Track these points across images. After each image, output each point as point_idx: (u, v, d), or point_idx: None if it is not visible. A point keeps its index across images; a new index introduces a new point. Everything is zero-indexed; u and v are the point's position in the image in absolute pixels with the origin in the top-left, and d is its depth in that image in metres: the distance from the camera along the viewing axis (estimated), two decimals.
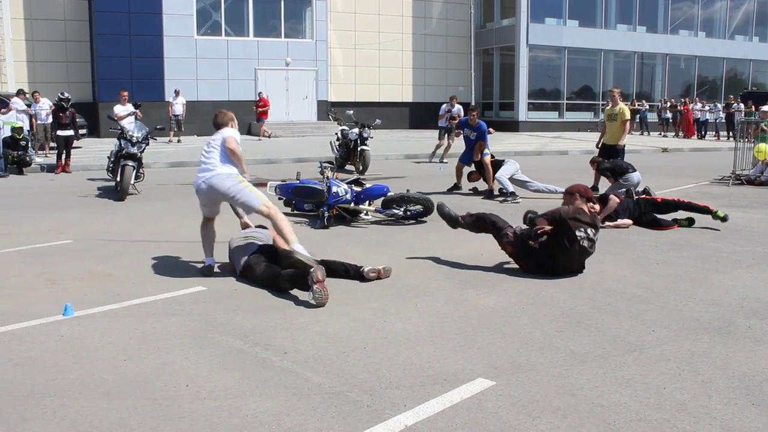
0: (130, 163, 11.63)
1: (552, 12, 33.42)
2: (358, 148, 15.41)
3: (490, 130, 12.49)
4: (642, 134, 31.73)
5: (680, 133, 30.85)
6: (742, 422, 3.44)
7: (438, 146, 18.87)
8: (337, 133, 16.81)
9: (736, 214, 9.66)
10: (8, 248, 7.51)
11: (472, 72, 33.62)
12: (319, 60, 30.54)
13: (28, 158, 15.88)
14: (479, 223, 6.88)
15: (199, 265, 6.48)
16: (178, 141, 24.22)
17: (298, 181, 9.63)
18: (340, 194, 9.00)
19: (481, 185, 12.24)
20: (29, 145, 16.79)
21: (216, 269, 6.42)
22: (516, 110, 33.32)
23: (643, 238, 8.19)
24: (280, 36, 30.12)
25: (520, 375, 4.03)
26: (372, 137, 16.07)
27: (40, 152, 17.71)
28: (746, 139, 14.97)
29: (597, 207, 8.89)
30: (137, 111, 14.64)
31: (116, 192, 11.61)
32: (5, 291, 5.86)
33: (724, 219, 8.90)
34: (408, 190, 9.51)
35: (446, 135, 18.63)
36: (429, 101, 33.89)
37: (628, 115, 12.22)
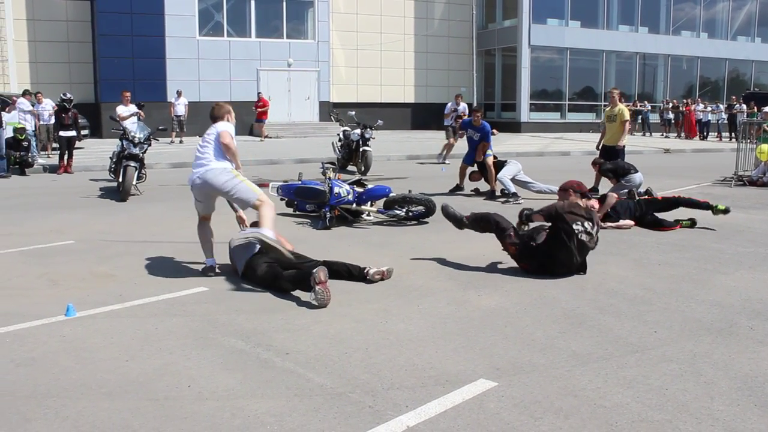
0: (132, 163, 11.65)
1: (554, 13, 33.40)
2: (360, 149, 15.40)
3: (494, 131, 12.49)
4: (644, 135, 31.70)
5: (682, 134, 30.81)
6: (745, 423, 3.43)
7: (447, 145, 18.65)
8: (339, 134, 16.81)
9: (738, 215, 9.65)
10: (10, 249, 7.52)
11: (474, 73, 33.61)
12: (321, 61, 30.55)
13: (30, 159, 15.90)
14: (483, 223, 6.88)
15: (201, 266, 6.47)
16: (180, 142, 24.23)
17: (300, 182, 9.63)
18: (342, 195, 9.00)
19: (483, 186, 12.24)
20: (33, 146, 16.81)
21: (217, 270, 6.42)
22: (518, 111, 33.29)
23: (645, 239, 8.19)
24: (282, 37, 30.13)
25: (522, 376, 4.03)
26: (374, 138, 16.07)
27: (42, 153, 17.72)
28: (748, 140, 14.96)
29: (596, 205, 8.91)
30: (140, 111, 14.65)
31: (118, 193, 11.62)
32: (7, 291, 5.86)
33: (725, 211, 8.93)
34: (410, 191, 9.51)
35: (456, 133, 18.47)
36: (431, 102, 33.90)
37: (627, 116, 12.21)
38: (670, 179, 14.19)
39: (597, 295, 5.77)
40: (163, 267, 6.66)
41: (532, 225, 6.78)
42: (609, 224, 8.78)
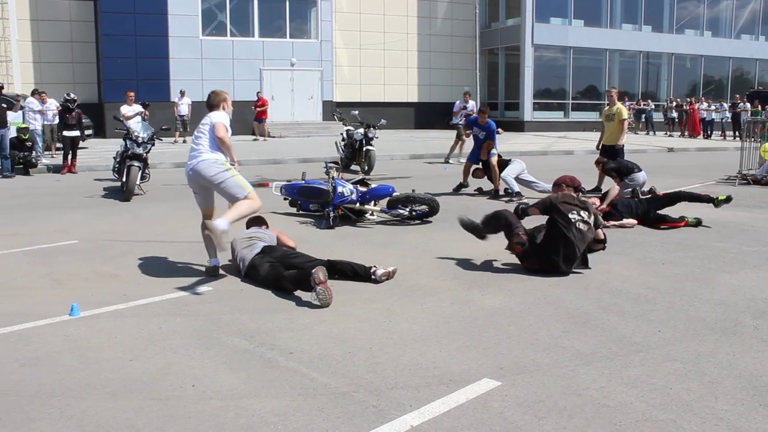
0: (136, 163, 11.67)
1: (557, 12, 33.35)
2: (364, 148, 15.41)
3: (499, 130, 12.48)
4: (648, 134, 31.66)
5: (686, 133, 30.76)
6: (749, 423, 3.42)
7: (461, 144, 18.43)
8: (342, 134, 16.81)
9: (742, 214, 9.63)
10: (15, 248, 7.54)
11: (477, 72, 33.56)
12: (324, 60, 30.55)
13: (33, 160, 15.92)
14: (494, 221, 6.82)
15: (204, 266, 6.47)
16: (184, 141, 24.25)
17: (303, 182, 9.64)
18: (346, 194, 9.00)
19: (486, 185, 12.23)
20: (38, 145, 16.84)
21: (221, 269, 6.42)
22: (521, 110, 33.25)
23: (649, 238, 8.18)
24: (285, 36, 30.13)
25: (525, 375, 4.02)
26: (377, 137, 16.07)
27: (46, 153, 17.75)
28: (752, 139, 14.92)
29: (597, 202, 8.92)
30: (145, 111, 14.66)
31: (122, 192, 11.65)
32: (12, 291, 5.88)
33: (727, 199, 8.93)
34: (413, 190, 9.51)
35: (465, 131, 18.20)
36: (434, 101, 33.91)
37: (625, 115, 12.21)
38: (673, 178, 14.17)
39: (601, 294, 5.77)
40: (166, 267, 6.67)
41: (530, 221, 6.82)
42: (612, 222, 8.77)
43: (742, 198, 11.46)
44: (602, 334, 4.75)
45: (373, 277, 6.06)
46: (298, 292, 5.69)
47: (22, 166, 15.56)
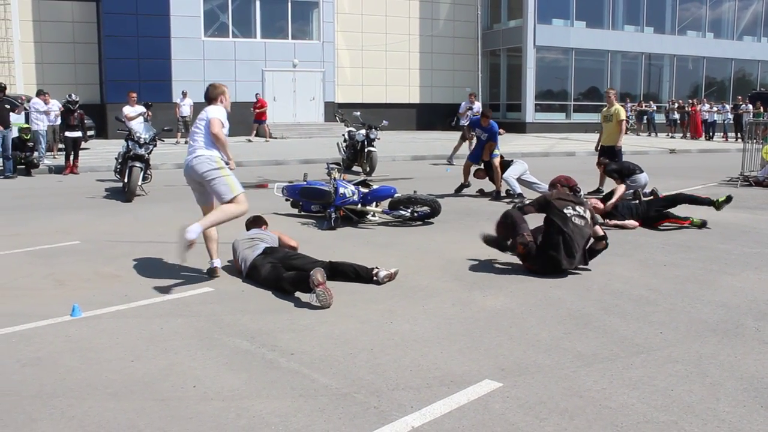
0: (138, 164, 11.67)
1: (559, 13, 33.35)
2: (365, 150, 15.41)
3: (501, 131, 12.48)
4: (649, 135, 31.64)
5: (688, 135, 30.74)
6: (751, 425, 3.42)
7: (469, 145, 18.30)
8: (344, 135, 16.81)
9: (744, 216, 9.63)
10: (17, 249, 7.55)
11: (479, 73, 33.58)
12: (326, 61, 30.56)
13: (35, 160, 15.92)
14: (503, 222, 6.76)
15: (206, 267, 6.47)
16: (186, 142, 24.22)
17: (305, 183, 9.64)
18: (347, 195, 9.00)
19: (488, 186, 12.22)
20: (42, 146, 16.86)
21: (222, 270, 6.43)
22: (523, 111, 33.24)
23: (650, 239, 8.17)
24: (287, 37, 30.15)
25: (527, 377, 4.02)
26: (379, 138, 16.07)
27: (48, 154, 17.76)
28: (754, 141, 14.91)
29: (601, 204, 8.92)
30: (148, 111, 14.66)
31: (124, 193, 11.66)
32: (13, 292, 5.88)
33: (727, 200, 8.91)
34: (415, 191, 9.50)
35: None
36: (436, 102, 33.92)
37: (623, 116, 12.21)
38: (675, 180, 14.16)
39: (602, 295, 5.76)
40: (168, 268, 6.67)
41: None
42: (614, 222, 8.77)
43: (744, 199, 11.46)
44: (604, 336, 4.74)
45: (375, 278, 6.05)
46: (298, 293, 5.69)
47: (24, 166, 15.57)
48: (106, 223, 9.36)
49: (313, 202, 9.56)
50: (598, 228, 6.69)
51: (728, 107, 31.13)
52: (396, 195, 9.32)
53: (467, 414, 3.55)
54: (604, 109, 12.56)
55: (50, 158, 17.63)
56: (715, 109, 30.63)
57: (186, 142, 23.95)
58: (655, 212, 8.92)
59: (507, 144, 21.98)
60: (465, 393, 3.78)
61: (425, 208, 9.15)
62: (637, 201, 9.32)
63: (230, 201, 6.08)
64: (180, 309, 5.38)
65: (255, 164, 18.04)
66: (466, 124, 18.62)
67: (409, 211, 9.16)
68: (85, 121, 16.91)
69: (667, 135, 31.61)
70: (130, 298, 5.63)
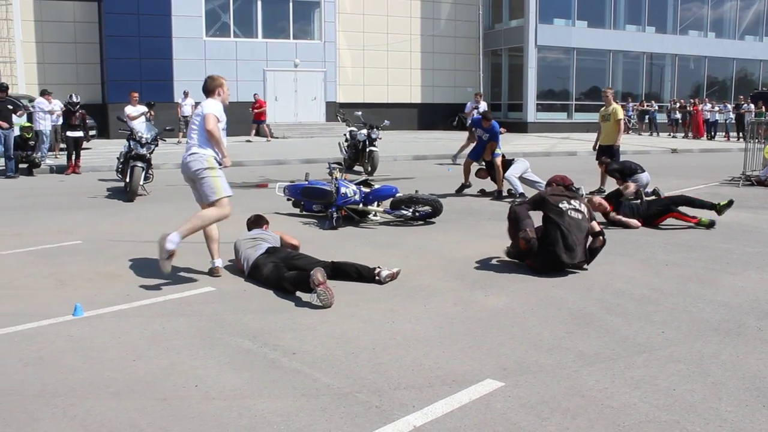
0: (140, 164, 11.68)
1: (561, 13, 33.33)
2: (367, 149, 15.41)
3: (502, 130, 12.47)
4: (651, 135, 31.62)
5: (690, 134, 30.71)
6: (753, 424, 3.42)
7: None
8: (345, 134, 16.81)
9: (746, 215, 9.62)
10: (18, 249, 7.55)
11: (481, 73, 33.58)
12: (328, 61, 30.57)
13: (37, 159, 15.92)
14: (509, 218, 6.83)
15: (208, 266, 6.47)
16: (187, 142, 24.27)
17: (306, 182, 9.64)
18: (349, 195, 9.01)
19: (489, 185, 12.21)
20: (45, 145, 16.89)
21: (224, 270, 6.43)
22: (525, 111, 33.23)
23: (652, 239, 8.16)
24: (289, 37, 30.15)
25: (528, 376, 4.02)
26: (380, 138, 16.07)
27: (49, 153, 17.78)
28: (756, 140, 14.89)
29: (606, 203, 8.92)
30: (150, 111, 14.66)
31: (125, 193, 11.66)
32: (16, 291, 5.89)
33: (729, 204, 8.89)
34: (417, 191, 9.50)
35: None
36: (438, 102, 33.92)
37: (620, 115, 12.20)
38: (677, 179, 14.15)
39: (604, 295, 5.76)
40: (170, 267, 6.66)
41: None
42: (619, 216, 8.76)
43: (746, 199, 11.45)
44: (605, 335, 4.74)
45: (377, 278, 6.06)
46: (299, 293, 5.69)
47: (26, 165, 15.56)
48: (108, 222, 9.36)
49: (314, 202, 9.56)
50: (594, 224, 6.70)
51: (730, 107, 31.10)
52: (397, 195, 9.31)
53: (469, 413, 3.55)
54: (602, 108, 12.55)
55: (52, 158, 17.65)
56: (716, 108, 30.60)
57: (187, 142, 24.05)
58: (656, 210, 8.91)
59: (509, 144, 21.99)
60: (467, 392, 3.78)
61: (427, 208, 9.15)
62: (639, 201, 9.31)
63: (213, 203, 6.10)
64: (182, 308, 5.38)
65: (257, 164, 18.04)
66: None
67: (411, 210, 9.16)
68: (87, 121, 16.93)
69: (669, 135, 31.59)
70: (131, 298, 5.64)
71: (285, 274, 5.78)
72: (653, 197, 9.59)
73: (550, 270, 6.42)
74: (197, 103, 24.29)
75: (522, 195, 11.15)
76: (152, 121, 14.84)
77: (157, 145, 12.54)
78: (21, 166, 15.48)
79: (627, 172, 10.85)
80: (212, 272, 6.35)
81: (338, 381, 3.95)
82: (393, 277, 6.12)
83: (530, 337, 4.70)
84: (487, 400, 3.70)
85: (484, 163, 12.25)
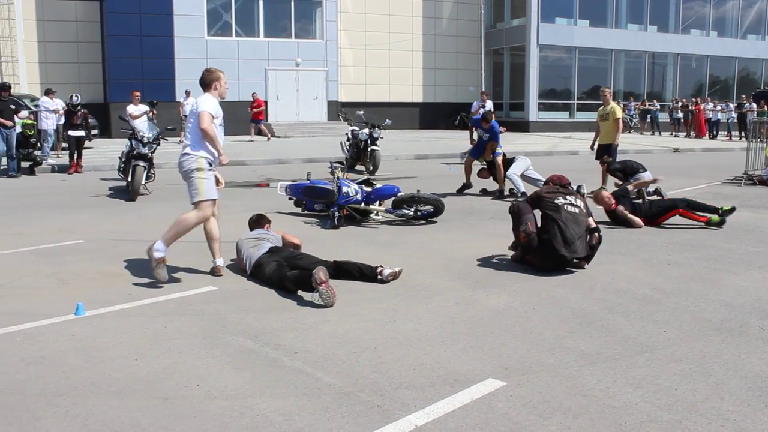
0: (141, 163, 11.69)
1: (562, 12, 33.33)
2: (369, 149, 15.41)
3: (502, 129, 12.46)
4: (653, 134, 31.60)
5: (692, 133, 30.68)
6: (755, 424, 3.41)
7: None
8: (347, 134, 16.81)
9: (748, 215, 9.60)
10: (20, 248, 7.56)
11: (483, 72, 33.57)
12: (330, 60, 30.58)
13: (38, 158, 15.92)
14: (511, 212, 6.91)
15: (209, 265, 6.47)
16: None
17: (308, 182, 9.64)
18: (351, 194, 9.00)
19: (491, 185, 12.21)
20: (46, 144, 16.90)
21: (225, 269, 6.43)
22: (526, 110, 33.24)
23: (654, 238, 8.16)
24: (291, 36, 30.17)
25: (530, 376, 4.02)
26: (382, 137, 16.07)
27: (51, 153, 17.79)
28: (758, 139, 14.87)
29: (613, 199, 8.92)
30: (153, 110, 14.66)
31: (127, 192, 11.67)
32: (18, 290, 5.89)
33: (731, 210, 8.84)
34: (418, 191, 9.50)
35: None
36: (439, 101, 33.93)
37: (619, 114, 12.18)
38: (679, 179, 14.13)
39: (606, 294, 5.76)
40: (171, 266, 6.66)
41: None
42: (624, 212, 8.75)
43: (748, 198, 11.44)
44: (607, 335, 4.74)
45: (379, 277, 6.06)
46: (301, 292, 5.69)
47: (29, 164, 15.55)
48: (110, 222, 9.37)
49: (316, 201, 9.56)
50: (591, 220, 6.72)
51: (732, 106, 31.08)
52: (399, 194, 9.31)
53: (471, 413, 3.54)
54: (601, 108, 12.54)
55: (54, 157, 17.66)
56: (719, 108, 30.57)
57: None
58: (659, 209, 8.89)
59: (510, 143, 21.98)
60: (468, 392, 3.78)
61: (428, 207, 9.15)
62: (641, 200, 9.30)
63: (195, 204, 6.12)
64: (183, 308, 5.38)
65: (258, 163, 18.05)
66: None
67: (413, 210, 9.15)
68: (89, 121, 16.93)
69: (671, 134, 31.58)
70: (133, 297, 5.64)
71: (287, 274, 5.78)
72: (655, 196, 9.58)
73: (551, 267, 6.43)
74: None
75: (524, 194, 11.14)
76: (155, 121, 14.83)
77: (158, 145, 12.56)
78: (23, 164, 15.47)
79: (629, 171, 10.85)
80: (214, 272, 6.35)
81: (340, 380, 3.95)
82: (395, 276, 6.12)
83: (532, 337, 4.70)
84: (488, 400, 3.69)
85: (485, 163, 12.25)
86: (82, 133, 15.84)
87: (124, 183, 12.50)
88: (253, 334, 4.76)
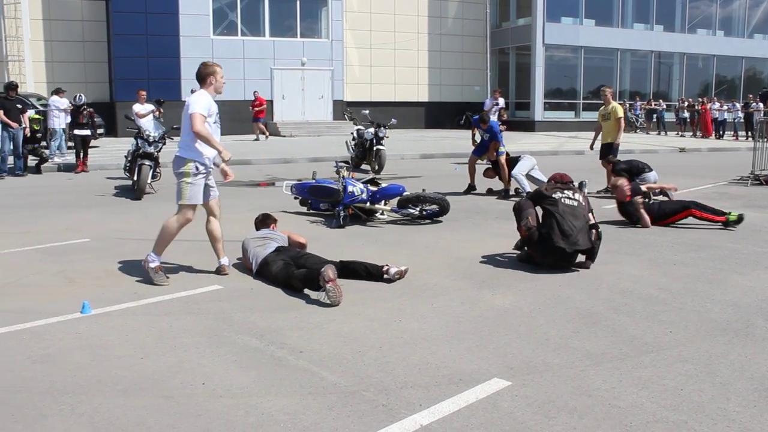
0: (147, 162, 11.72)
1: (568, 11, 33.27)
2: (374, 148, 15.41)
3: (502, 127, 12.46)
4: (659, 134, 31.52)
5: (698, 133, 30.60)
6: (762, 425, 3.40)
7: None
8: (352, 133, 16.82)
9: (754, 215, 9.57)
10: (27, 246, 7.58)
11: (488, 72, 33.54)
12: (335, 60, 30.59)
13: (45, 155, 15.94)
14: (514, 209, 7.03)
15: (215, 264, 6.48)
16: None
17: (314, 181, 9.65)
18: (356, 194, 9.01)
19: (496, 184, 12.19)
20: (53, 143, 16.93)
21: (231, 268, 6.44)
22: (532, 110, 33.19)
23: (660, 238, 8.14)
24: (296, 36, 30.19)
25: (535, 375, 4.01)
26: (387, 137, 16.07)
27: (57, 151, 17.84)
28: (765, 139, 14.79)
29: (628, 189, 8.95)
30: (159, 108, 14.68)
31: (133, 191, 11.70)
32: (24, 289, 5.91)
33: (740, 219, 8.74)
34: (424, 190, 9.50)
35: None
36: (444, 101, 33.90)
37: (620, 113, 12.16)
38: (685, 179, 14.09)
39: (611, 294, 5.75)
40: (177, 265, 6.69)
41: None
42: (640, 204, 8.74)
43: (754, 199, 11.40)
44: (613, 335, 4.73)
45: (386, 276, 6.06)
46: (308, 291, 5.70)
47: (37, 160, 15.57)
48: (116, 220, 9.39)
49: (321, 201, 9.57)
50: (590, 216, 6.73)
51: (739, 106, 30.97)
52: (405, 193, 9.31)
53: (476, 412, 3.54)
54: (602, 108, 12.52)
55: (60, 156, 17.71)
56: (725, 107, 30.47)
57: None
58: (670, 209, 8.83)
59: (516, 142, 21.95)
60: (474, 391, 3.78)
61: (434, 207, 9.14)
62: (648, 200, 9.27)
63: (179, 207, 6.20)
64: (189, 306, 5.39)
65: (264, 162, 18.07)
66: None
67: (418, 209, 9.15)
68: (95, 120, 16.97)
69: (677, 134, 31.49)
70: (139, 296, 5.65)
71: (294, 272, 5.79)
72: (661, 197, 9.55)
73: (553, 261, 6.48)
74: None
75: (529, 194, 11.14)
76: (161, 120, 14.86)
77: (164, 144, 12.58)
78: (30, 161, 15.47)
79: (634, 171, 10.81)
80: (219, 271, 6.36)
81: (345, 379, 3.96)
82: (401, 274, 6.12)
83: (537, 337, 4.69)
84: (494, 399, 3.69)
85: (490, 163, 12.24)
86: (87, 132, 15.88)
87: (130, 182, 12.53)
88: (259, 332, 4.77)
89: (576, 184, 7.78)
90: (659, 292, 5.82)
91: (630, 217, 8.87)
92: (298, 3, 29.95)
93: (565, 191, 6.77)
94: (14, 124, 14.53)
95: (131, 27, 26.89)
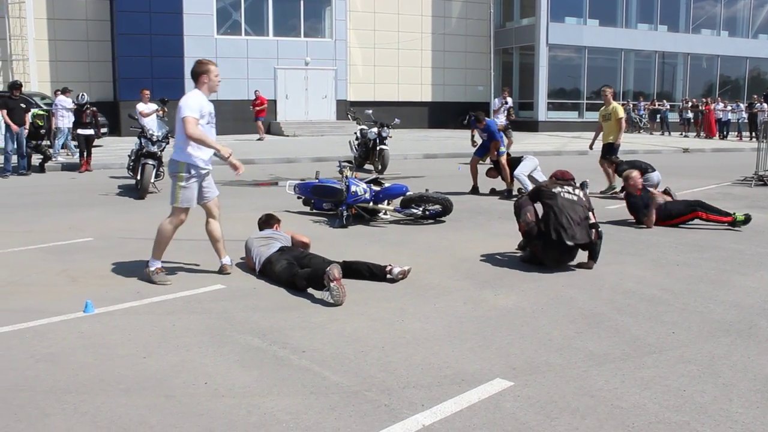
0: (151, 161, 11.73)
1: (572, 11, 33.23)
2: (377, 148, 15.40)
3: (500, 125, 12.46)
4: (663, 134, 31.47)
5: (702, 134, 30.53)
6: (764, 426, 3.40)
7: (509, 144, 17.72)
8: (356, 133, 16.81)
9: (758, 216, 9.54)
10: (30, 245, 7.60)
11: (492, 72, 33.50)
12: (339, 59, 30.59)
13: (48, 152, 15.95)
14: (514, 206, 7.13)
15: (218, 264, 6.48)
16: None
17: (317, 180, 9.65)
18: (359, 193, 9.01)
19: (499, 184, 12.18)
20: (57, 141, 16.94)
21: (234, 267, 6.44)
22: (535, 110, 33.16)
23: (663, 239, 8.12)
24: (300, 35, 30.20)
25: (538, 376, 4.01)
26: (391, 137, 16.06)
27: (62, 151, 17.87)
28: None
29: (640, 183, 8.97)
30: (164, 108, 14.70)
31: (137, 190, 11.71)
32: (27, 288, 5.93)
33: (746, 220, 8.70)
34: (427, 190, 9.49)
35: (507, 130, 17.30)
36: (448, 101, 33.87)
37: (621, 114, 12.15)
38: (688, 179, 14.07)
39: (614, 295, 5.74)
40: (180, 264, 6.70)
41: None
42: (653, 192, 8.76)
43: (758, 199, 11.38)
44: (615, 335, 4.72)
45: (389, 276, 6.06)
46: (311, 291, 5.70)
47: (41, 158, 15.57)
48: (119, 220, 9.40)
49: (324, 200, 9.57)
50: (591, 214, 6.72)
51: (743, 106, 30.91)
52: (408, 193, 9.31)
53: (478, 413, 3.54)
54: (602, 108, 12.51)
55: (64, 155, 17.74)
56: (729, 108, 30.41)
57: None
58: (677, 210, 8.81)
59: (519, 143, 21.88)
60: (476, 392, 3.78)
61: (437, 207, 9.14)
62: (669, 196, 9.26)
63: (171, 209, 6.23)
64: (192, 306, 5.40)
65: (267, 162, 18.08)
66: (502, 122, 17.97)
67: (421, 209, 9.15)
68: (98, 119, 16.99)
69: (681, 134, 31.44)
70: (142, 295, 5.66)
71: (298, 271, 5.79)
72: (666, 197, 9.52)
73: (554, 257, 6.51)
74: None
75: None
76: (165, 119, 14.86)
77: (168, 143, 12.57)
78: (34, 158, 15.47)
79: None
80: (222, 270, 6.36)
81: (347, 379, 3.96)
82: (404, 274, 6.12)
83: (540, 337, 4.69)
84: (496, 400, 3.69)
85: (492, 163, 12.24)
86: (91, 131, 15.90)
87: (133, 181, 12.55)
88: (261, 332, 4.77)
89: (578, 183, 7.77)
90: (662, 292, 5.82)
91: (636, 212, 8.83)
92: (301, 2, 29.96)
93: (565, 186, 6.82)
94: (15, 127, 14.50)
95: (135, 26, 26.92)
